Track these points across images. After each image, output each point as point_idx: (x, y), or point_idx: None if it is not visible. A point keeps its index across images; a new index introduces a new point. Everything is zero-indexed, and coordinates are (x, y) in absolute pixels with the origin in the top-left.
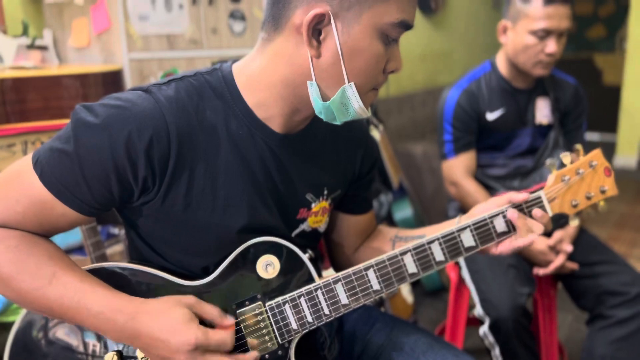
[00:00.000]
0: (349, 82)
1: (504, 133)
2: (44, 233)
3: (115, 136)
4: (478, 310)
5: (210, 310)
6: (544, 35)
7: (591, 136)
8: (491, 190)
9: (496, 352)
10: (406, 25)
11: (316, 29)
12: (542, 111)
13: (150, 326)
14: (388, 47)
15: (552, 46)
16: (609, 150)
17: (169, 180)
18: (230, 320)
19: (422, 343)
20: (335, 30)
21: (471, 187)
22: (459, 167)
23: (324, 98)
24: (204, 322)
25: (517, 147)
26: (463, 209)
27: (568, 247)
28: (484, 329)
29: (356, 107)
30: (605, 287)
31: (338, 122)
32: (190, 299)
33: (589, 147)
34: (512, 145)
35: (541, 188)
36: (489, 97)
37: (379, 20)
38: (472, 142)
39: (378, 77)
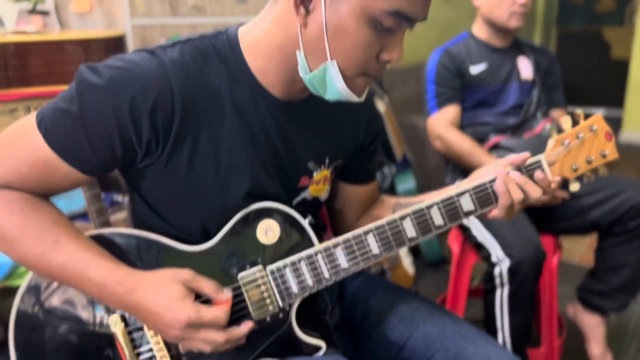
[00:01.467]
0: (331, 59)
1: (491, 86)
2: (47, 193)
3: (119, 98)
4: (497, 254)
5: (207, 285)
6: None
7: (597, 111)
8: (482, 141)
9: (504, 292)
10: (404, 17)
11: None
12: (525, 68)
13: (147, 300)
14: (382, 34)
15: None
16: (615, 125)
17: (172, 143)
18: (226, 295)
19: (423, 310)
20: (323, 3)
21: (454, 136)
22: (441, 120)
23: (310, 70)
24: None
25: (504, 101)
26: (461, 173)
27: (563, 194)
28: (500, 268)
29: (339, 87)
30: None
31: (328, 98)
32: (187, 274)
33: None
34: (500, 100)
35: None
36: (470, 54)
37: (369, 4)
38: (454, 96)
39: (368, 64)
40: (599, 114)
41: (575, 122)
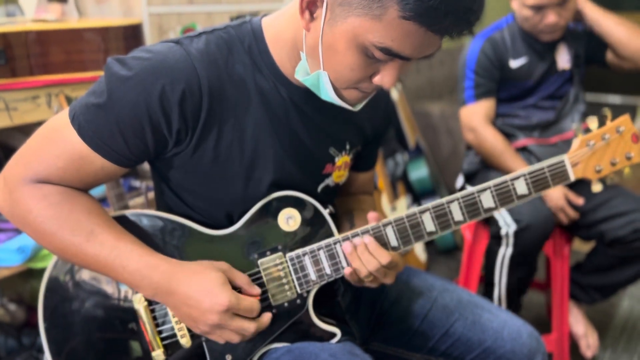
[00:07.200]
0: (323, 69)
1: (527, 81)
2: (85, 186)
3: (149, 89)
4: (505, 220)
5: (241, 278)
6: (538, 8)
7: (613, 99)
8: (511, 138)
9: (507, 252)
10: (394, 54)
11: (313, 3)
12: (563, 57)
13: (186, 285)
14: (374, 61)
15: (551, 17)
16: (631, 113)
17: (199, 132)
18: (257, 290)
19: (438, 285)
20: (323, 18)
21: (489, 133)
22: (478, 113)
23: (309, 72)
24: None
25: (539, 95)
26: (481, 160)
27: (579, 200)
28: (507, 230)
29: (331, 95)
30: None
31: (323, 99)
32: (224, 264)
33: (612, 110)
34: (534, 94)
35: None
36: (513, 44)
37: (361, 33)
38: (492, 90)
39: (359, 83)
40: (626, 115)
41: (601, 122)
